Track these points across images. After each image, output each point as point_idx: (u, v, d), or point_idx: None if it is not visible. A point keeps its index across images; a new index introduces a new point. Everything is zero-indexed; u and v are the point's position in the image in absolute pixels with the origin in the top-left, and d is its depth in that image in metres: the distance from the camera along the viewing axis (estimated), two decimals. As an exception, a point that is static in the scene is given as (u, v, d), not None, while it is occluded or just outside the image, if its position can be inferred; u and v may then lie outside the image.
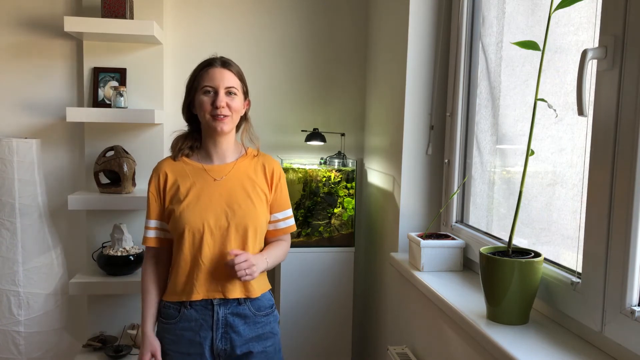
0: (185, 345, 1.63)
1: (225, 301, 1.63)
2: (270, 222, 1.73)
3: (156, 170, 1.71)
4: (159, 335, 1.68)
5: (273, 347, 1.69)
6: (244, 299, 1.64)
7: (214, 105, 1.61)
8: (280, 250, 1.75)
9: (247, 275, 1.55)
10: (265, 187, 1.71)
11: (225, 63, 1.66)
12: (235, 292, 1.63)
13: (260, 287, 1.68)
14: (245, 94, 1.71)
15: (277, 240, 1.77)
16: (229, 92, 1.63)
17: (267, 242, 1.77)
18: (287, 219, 1.77)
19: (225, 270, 1.59)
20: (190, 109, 1.70)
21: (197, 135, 1.73)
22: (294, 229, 1.80)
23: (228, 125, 1.64)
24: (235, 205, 1.64)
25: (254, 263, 1.57)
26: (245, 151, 1.75)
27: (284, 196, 1.77)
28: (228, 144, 1.70)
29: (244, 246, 1.64)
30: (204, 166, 1.69)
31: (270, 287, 1.75)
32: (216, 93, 1.61)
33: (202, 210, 1.62)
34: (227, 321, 1.63)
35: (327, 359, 2.59)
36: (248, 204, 1.65)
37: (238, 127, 1.75)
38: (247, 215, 1.63)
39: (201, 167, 1.68)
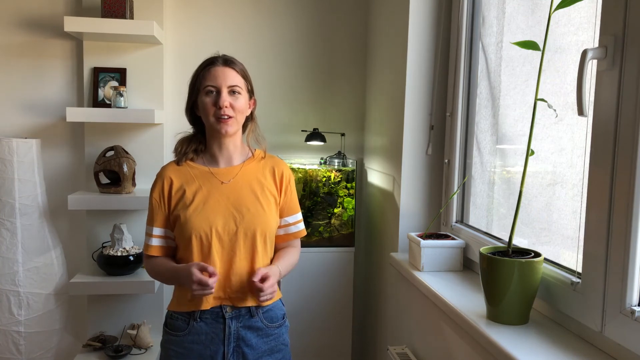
0: (194, 359, 1.56)
1: (237, 314, 1.56)
2: (280, 227, 1.67)
3: (160, 175, 1.63)
4: (163, 347, 1.62)
5: (284, 359, 1.65)
6: (255, 309, 1.58)
7: (217, 105, 1.54)
8: (292, 259, 1.68)
9: (268, 299, 1.52)
10: (275, 190, 1.65)
11: (228, 61, 1.59)
12: (246, 300, 1.56)
13: None
14: (250, 92, 1.65)
15: (287, 246, 1.71)
16: (232, 92, 1.56)
17: (277, 248, 1.69)
18: (297, 222, 1.71)
19: (236, 279, 1.55)
20: (193, 110, 1.63)
21: (202, 138, 1.66)
22: (305, 233, 1.73)
23: (232, 126, 1.57)
24: (243, 208, 1.57)
25: (275, 289, 1.53)
26: (252, 153, 1.69)
27: (294, 199, 1.70)
28: (234, 146, 1.64)
29: (252, 252, 1.57)
30: (211, 169, 1.62)
31: (281, 295, 1.68)
32: (219, 93, 1.54)
33: (210, 214, 1.55)
34: (239, 334, 1.56)
35: (327, 358, 2.59)
36: (257, 207, 1.58)
37: (244, 128, 1.68)
38: (256, 219, 1.57)
39: (207, 171, 1.62)
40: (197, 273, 1.46)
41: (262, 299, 1.50)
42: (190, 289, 1.48)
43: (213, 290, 1.48)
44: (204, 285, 1.46)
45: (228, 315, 1.56)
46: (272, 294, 1.52)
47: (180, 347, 1.57)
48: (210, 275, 1.48)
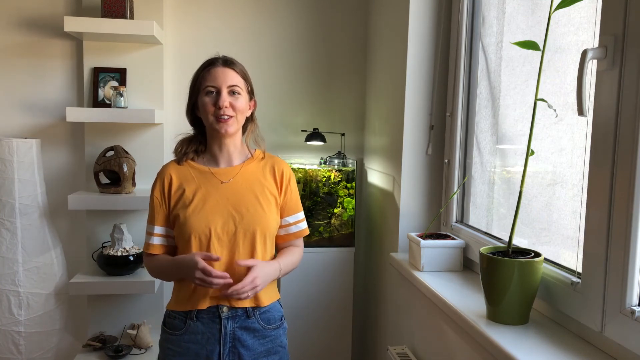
0: (190, 358, 1.56)
1: (234, 314, 1.56)
2: (281, 227, 1.67)
3: (160, 174, 1.64)
4: (161, 345, 1.62)
5: None
6: (252, 309, 1.58)
7: (217, 105, 1.54)
8: (294, 257, 1.68)
9: (249, 294, 1.49)
10: (275, 190, 1.65)
11: (228, 62, 1.60)
12: (243, 301, 1.55)
13: (269, 296, 1.61)
14: (250, 93, 1.65)
15: (289, 245, 1.71)
16: (232, 92, 1.56)
17: (278, 248, 1.69)
18: (298, 222, 1.70)
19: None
20: (194, 111, 1.63)
21: (202, 139, 1.66)
22: (307, 232, 1.72)
23: (232, 126, 1.57)
24: (243, 208, 1.57)
25: (259, 282, 1.50)
26: (252, 154, 1.69)
27: (295, 199, 1.70)
28: (234, 147, 1.64)
29: (252, 252, 1.57)
30: (211, 169, 1.62)
31: (279, 296, 1.68)
32: (219, 93, 1.55)
33: (209, 214, 1.55)
34: (236, 335, 1.56)
35: (327, 358, 2.59)
36: (256, 207, 1.58)
37: (244, 129, 1.68)
38: (255, 220, 1.57)
39: (207, 171, 1.62)
40: (201, 261, 1.46)
41: (242, 296, 1.48)
42: (192, 280, 1.48)
43: (217, 282, 1.46)
44: (207, 274, 1.45)
45: (224, 315, 1.56)
46: (252, 290, 1.49)
47: (178, 346, 1.58)
48: (215, 262, 1.50)
